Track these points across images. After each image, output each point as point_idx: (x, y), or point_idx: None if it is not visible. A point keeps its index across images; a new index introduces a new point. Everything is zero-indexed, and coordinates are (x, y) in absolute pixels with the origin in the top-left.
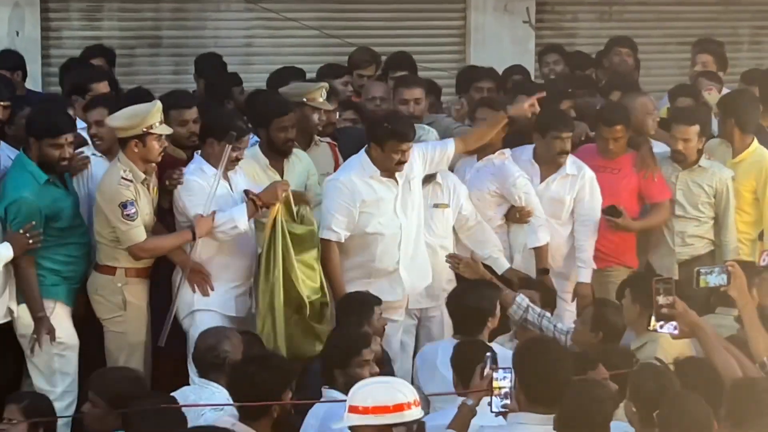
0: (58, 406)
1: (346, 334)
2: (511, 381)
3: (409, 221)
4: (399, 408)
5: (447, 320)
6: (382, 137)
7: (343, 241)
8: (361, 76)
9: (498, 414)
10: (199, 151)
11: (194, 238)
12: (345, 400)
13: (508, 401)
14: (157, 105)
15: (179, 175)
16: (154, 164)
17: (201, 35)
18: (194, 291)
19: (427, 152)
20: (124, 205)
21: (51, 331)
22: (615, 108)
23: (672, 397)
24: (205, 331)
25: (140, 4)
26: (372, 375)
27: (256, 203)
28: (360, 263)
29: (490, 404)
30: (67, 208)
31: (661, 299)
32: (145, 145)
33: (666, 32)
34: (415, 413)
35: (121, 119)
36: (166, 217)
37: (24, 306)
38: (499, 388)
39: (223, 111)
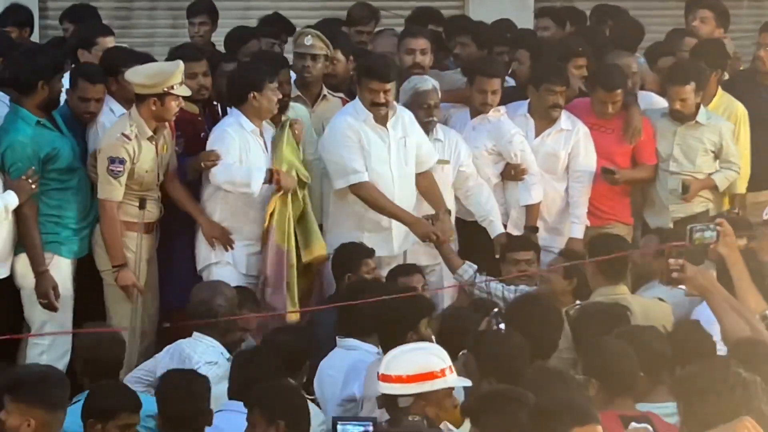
0: (46, 358)
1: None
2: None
3: (404, 179)
4: (433, 375)
5: (447, 275)
6: (359, 75)
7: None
8: (361, 32)
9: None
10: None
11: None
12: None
13: None
14: (180, 66)
15: (216, 158)
16: (166, 123)
17: None
18: (213, 247)
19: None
20: (112, 160)
21: (55, 287)
22: (613, 71)
23: None
24: (198, 286)
25: None
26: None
27: (274, 178)
28: (352, 212)
29: None
30: (63, 149)
31: (672, 262)
32: (163, 105)
33: None
34: (453, 379)
35: (142, 76)
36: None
37: (22, 256)
38: None
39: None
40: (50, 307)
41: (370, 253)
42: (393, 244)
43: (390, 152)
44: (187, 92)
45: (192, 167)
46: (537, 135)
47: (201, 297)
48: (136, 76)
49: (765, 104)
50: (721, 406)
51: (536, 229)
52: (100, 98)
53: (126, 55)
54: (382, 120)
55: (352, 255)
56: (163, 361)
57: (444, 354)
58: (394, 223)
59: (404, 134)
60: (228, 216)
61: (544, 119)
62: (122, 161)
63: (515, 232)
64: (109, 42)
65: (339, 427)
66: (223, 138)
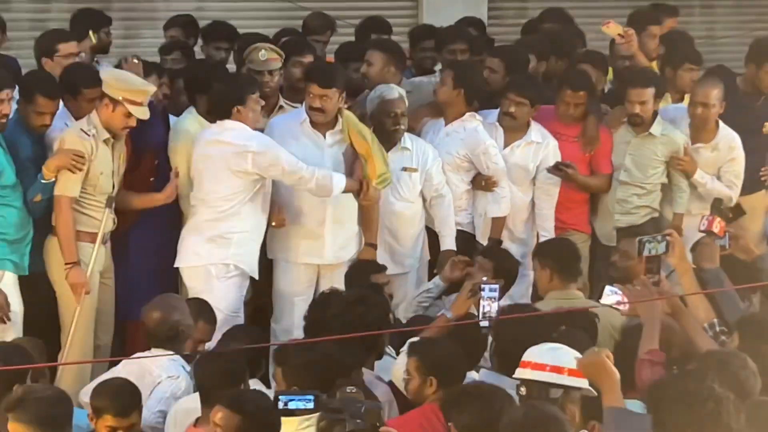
0: None
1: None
2: (496, 300)
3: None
4: (572, 372)
5: (411, 285)
6: (304, 78)
7: None
8: (317, 42)
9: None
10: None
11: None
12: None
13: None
14: (147, 88)
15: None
16: (128, 129)
17: None
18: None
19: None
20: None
21: (5, 299)
22: (581, 73)
23: None
24: (152, 303)
25: None
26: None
27: (362, 187)
28: (289, 216)
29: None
30: (5, 167)
31: (651, 277)
32: (114, 111)
33: None
34: (580, 382)
35: (112, 76)
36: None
37: None
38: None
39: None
40: (2, 320)
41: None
42: (326, 251)
43: (324, 160)
44: (144, 116)
45: None
46: (506, 145)
47: (157, 315)
48: (107, 73)
49: None
50: (690, 418)
51: (500, 242)
52: (56, 111)
53: (87, 74)
54: (321, 127)
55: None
56: (120, 375)
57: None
58: (328, 230)
59: (341, 141)
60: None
61: (513, 130)
62: (81, 156)
63: (482, 242)
64: (71, 47)
65: (281, 400)
66: (269, 143)
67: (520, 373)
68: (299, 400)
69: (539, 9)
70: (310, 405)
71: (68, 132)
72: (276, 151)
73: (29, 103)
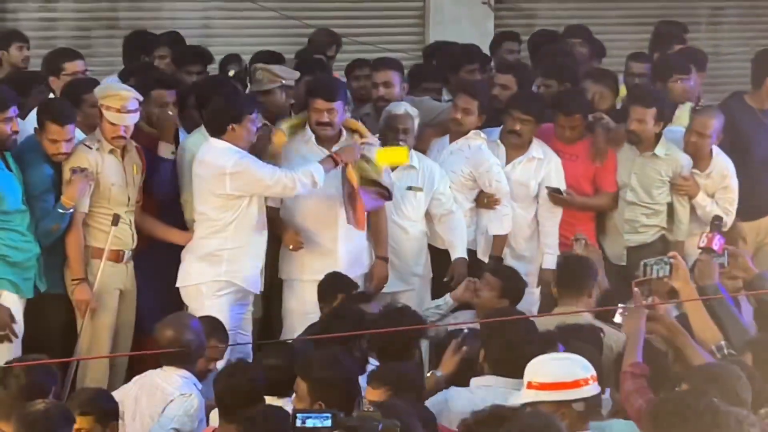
0: None
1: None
2: None
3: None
4: (577, 384)
5: (420, 299)
6: (306, 95)
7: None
8: (325, 57)
9: None
10: None
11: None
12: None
13: None
14: (121, 93)
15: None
16: (121, 140)
17: (158, 17)
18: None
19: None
20: (73, 170)
21: (11, 317)
22: (573, 96)
23: None
24: (164, 321)
25: None
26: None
27: (335, 159)
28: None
29: None
30: (9, 192)
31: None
32: (102, 120)
33: (623, 12)
34: (593, 389)
35: (99, 86)
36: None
37: None
38: None
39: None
40: (8, 337)
41: (349, 287)
42: (341, 267)
43: (336, 175)
44: (118, 121)
45: None
46: (508, 162)
47: (170, 333)
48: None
49: None
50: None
51: (501, 260)
52: (71, 138)
53: (87, 82)
54: (327, 142)
55: (330, 286)
56: (131, 391)
57: (587, 364)
58: (341, 246)
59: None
60: (242, 236)
61: (515, 147)
62: (83, 171)
63: (484, 260)
64: (78, 66)
65: (298, 418)
66: (247, 161)
67: (534, 395)
68: (316, 418)
69: (545, 25)
70: (328, 423)
71: (73, 148)
72: (253, 169)
73: (43, 131)
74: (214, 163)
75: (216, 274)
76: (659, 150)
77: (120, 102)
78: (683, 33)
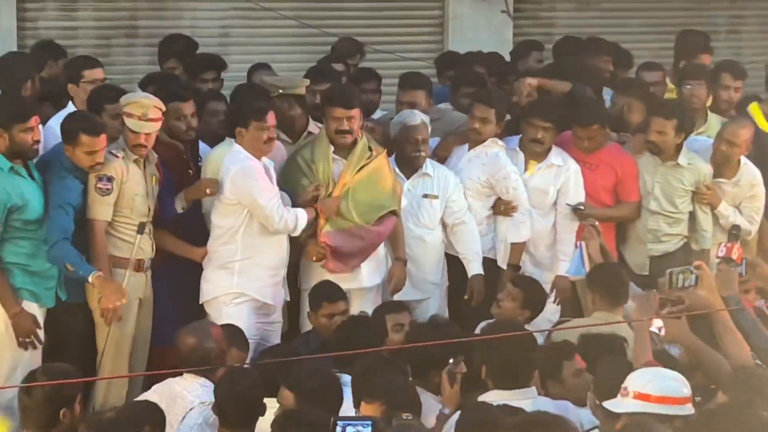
0: None
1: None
2: None
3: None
4: (684, 401)
5: (433, 308)
6: (323, 104)
7: None
8: (347, 66)
9: None
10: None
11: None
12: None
13: None
14: (141, 101)
15: (214, 185)
16: (142, 148)
17: (178, 25)
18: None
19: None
20: (99, 178)
21: (36, 322)
22: (589, 107)
23: None
24: (186, 329)
25: None
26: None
27: (318, 213)
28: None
29: None
30: (32, 201)
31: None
32: (124, 128)
33: (644, 21)
34: (692, 409)
35: (126, 95)
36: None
37: None
38: None
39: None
40: (33, 344)
41: (330, 297)
42: (362, 276)
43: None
44: (137, 128)
45: (191, 195)
46: (526, 169)
47: (191, 341)
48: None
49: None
50: None
51: (518, 268)
52: (105, 147)
53: (109, 91)
54: (342, 152)
55: (317, 295)
56: (151, 399)
57: (687, 383)
58: None
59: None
60: (250, 246)
61: (535, 154)
62: (110, 179)
63: (503, 267)
64: (97, 74)
65: (339, 426)
66: (252, 172)
67: (642, 406)
68: (357, 425)
69: (564, 33)
70: (368, 430)
71: None
72: (255, 183)
73: (76, 145)
74: (224, 165)
75: (229, 286)
76: (682, 159)
77: (140, 110)
78: (707, 41)
